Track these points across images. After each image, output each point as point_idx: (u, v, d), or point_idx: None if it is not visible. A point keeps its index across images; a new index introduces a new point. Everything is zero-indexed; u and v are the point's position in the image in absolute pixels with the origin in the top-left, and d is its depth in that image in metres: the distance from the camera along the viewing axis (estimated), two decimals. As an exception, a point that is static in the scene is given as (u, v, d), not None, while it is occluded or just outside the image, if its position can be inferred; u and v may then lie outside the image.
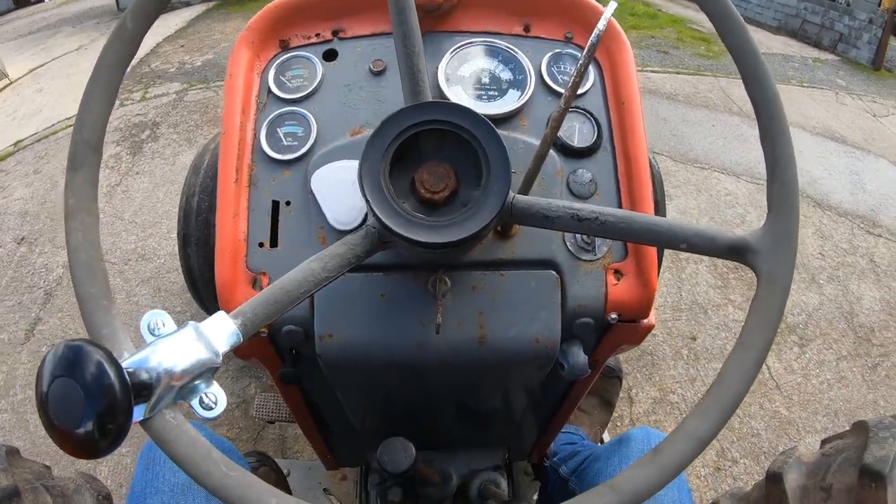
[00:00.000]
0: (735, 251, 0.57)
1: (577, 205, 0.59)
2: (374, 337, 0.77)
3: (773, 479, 1.09)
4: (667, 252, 2.44)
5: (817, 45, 5.68)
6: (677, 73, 4.19)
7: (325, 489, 1.40)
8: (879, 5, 5.64)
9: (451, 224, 0.58)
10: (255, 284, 0.77)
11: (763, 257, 0.56)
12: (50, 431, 0.43)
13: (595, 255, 0.81)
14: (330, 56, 0.89)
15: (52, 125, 3.57)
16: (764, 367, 2.21)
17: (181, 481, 0.81)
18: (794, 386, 2.20)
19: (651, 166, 1.81)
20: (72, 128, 0.59)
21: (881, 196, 3.21)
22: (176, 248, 1.54)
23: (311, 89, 0.86)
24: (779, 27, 6.03)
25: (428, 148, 0.61)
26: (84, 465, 1.82)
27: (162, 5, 0.60)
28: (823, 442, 1.10)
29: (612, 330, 0.84)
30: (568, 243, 0.81)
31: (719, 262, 2.48)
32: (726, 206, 2.71)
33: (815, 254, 2.68)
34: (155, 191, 2.89)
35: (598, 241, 0.81)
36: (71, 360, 0.43)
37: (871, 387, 2.29)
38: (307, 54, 0.88)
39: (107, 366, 0.42)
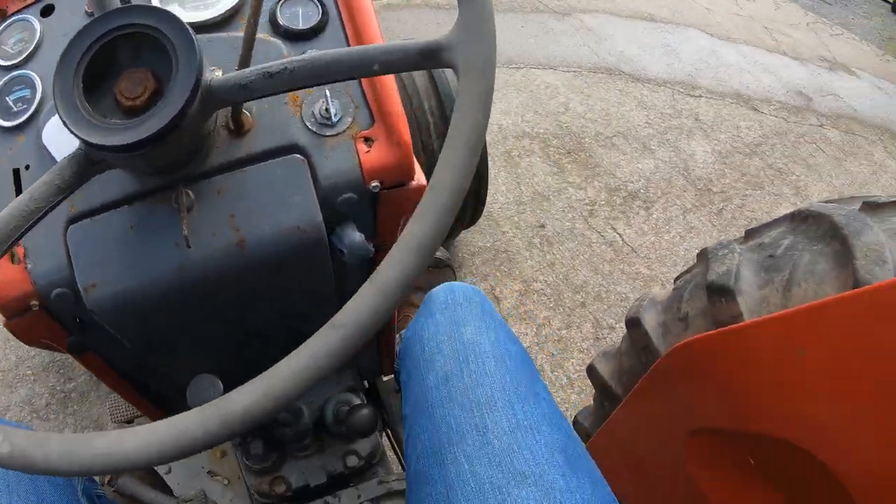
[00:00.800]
0: (428, 55, 0.56)
1: (270, 63, 0.58)
2: (133, 270, 0.74)
3: (633, 324, 1.07)
4: (498, 152, 2.42)
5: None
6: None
7: (209, 472, 1.30)
8: None
9: (147, 119, 0.57)
10: (14, 259, 0.74)
11: (457, 50, 0.55)
12: None
13: (337, 128, 0.78)
14: (47, 11, 0.87)
15: None
16: (616, 235, 2.23)
17: None
18: (648, 246, 2.24)
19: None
20: None
21: (696, 61, 3.33)
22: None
23: (31, 49, 0.84)
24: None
25: (126, 59, 0.60)
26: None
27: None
28: (675, 280, 1.10)
29: (383, 201, 0.82)
30: (308, 123, 0.78)
31: (552, 150, 2.48)
32: (548, 98, 2.71)
33: (642, 124, 2.74)
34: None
35: (337, 112, 0.78)
36: None
37: (721, 230, 2.38)
38: (24, 16, 0.86)
39: None
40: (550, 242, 2.17)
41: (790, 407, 0.79)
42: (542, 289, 2.06)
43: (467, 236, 2.12)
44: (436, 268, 1.60)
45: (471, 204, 1.85)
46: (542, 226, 2.20)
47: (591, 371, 1.21)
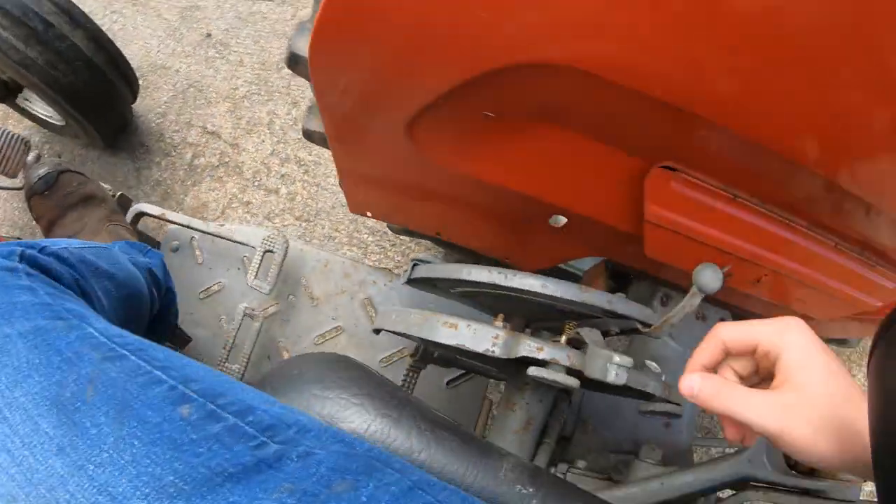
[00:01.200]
0: None
1: None
2: None
3: (294, 63, 0.82)
4: (120, 4, 2.03)
5: None
6: None
7: None
8: None
9: None
10: None
11: None
12: None
13: None
14: None
15: None
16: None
17: None
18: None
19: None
20: None
21: None
22: None
23: None
24: None
25: None
26: None
27: None
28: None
29: None
30: None
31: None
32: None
33: None
34: None
35: None
36: None
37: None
38: None
39: None
40: (226, 44, 1.84)
41: (480, 27, 0.53)
42: (248, 91, 1.77)
43: (146, 103, 1.79)
44: (43, 192, 1.23)
45: (115, 77, 1.50)
46: (209, 34, 1.86)
47: (307, 134, 1.00)
